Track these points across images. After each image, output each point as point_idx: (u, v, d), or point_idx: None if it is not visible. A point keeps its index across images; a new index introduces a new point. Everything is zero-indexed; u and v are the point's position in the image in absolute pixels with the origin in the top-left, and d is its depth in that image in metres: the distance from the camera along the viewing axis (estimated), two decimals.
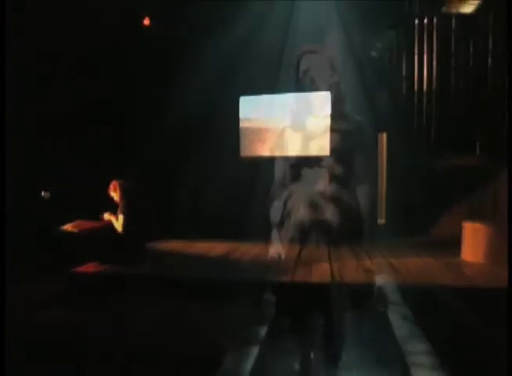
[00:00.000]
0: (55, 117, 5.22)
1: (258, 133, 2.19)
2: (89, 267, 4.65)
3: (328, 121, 2.00)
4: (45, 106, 5.16)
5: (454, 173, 6.25)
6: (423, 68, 7.16)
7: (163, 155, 6.02)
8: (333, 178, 2.07)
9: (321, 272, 3.00)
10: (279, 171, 2.20)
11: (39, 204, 5.20)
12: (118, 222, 4.84)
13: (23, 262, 4.55)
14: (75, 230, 4.76)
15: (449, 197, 6.36)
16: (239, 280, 3.69)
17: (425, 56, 7.09)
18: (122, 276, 4.52)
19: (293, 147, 2.13)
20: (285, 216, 2.12)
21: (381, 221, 7.71)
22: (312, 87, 2.07)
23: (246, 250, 5.56)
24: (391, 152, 7.07)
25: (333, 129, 2.08)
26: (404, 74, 7.26)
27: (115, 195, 4.94)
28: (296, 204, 2.09)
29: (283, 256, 2.14)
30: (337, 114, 2.10)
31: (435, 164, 6.51)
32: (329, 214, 2.06)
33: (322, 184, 2.06)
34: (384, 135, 7.71)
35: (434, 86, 7.04)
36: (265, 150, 2.20)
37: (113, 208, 4.96)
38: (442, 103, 6.98)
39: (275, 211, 2.18)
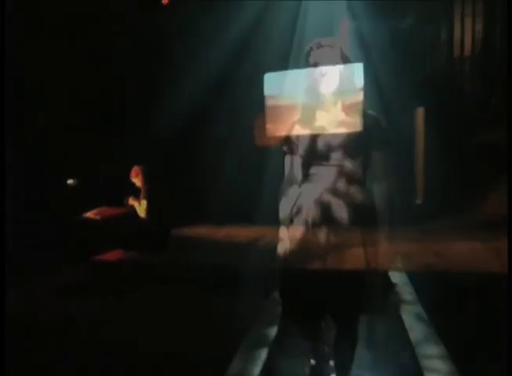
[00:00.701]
0: (78, 104, 5.18)
1: (286, 111, 2.00)
2: (113, 255, 4.56)
3: (361, 95, 1.84)
4: (66, 92, 5.11)
5: (497, 149, 5.79)
6: (464, 39, 6.70)
7: (184, 140, 5.91)
8: (346, 175, 1.92)
9: (354, 258, 2.80)
10: (289, 168, 2.07)
11: (62, 192, 5.19)
12: (141, 208, 4.73)
13: (47, 250, 4.54)
14: (98, 217, 4.69)
15: (494, 175, 5.92)
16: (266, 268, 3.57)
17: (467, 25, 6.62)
18: (146, 263, 4.41)
19: (324, 124, 1.96)
20: (294, 214, 1.99)
21: (419, 201, 7.37)
22: (323, 81, 1.91)
23: (275, 235, 5.38)
24: (429, 128, 6.72)
25: (345, 125, 1.93)
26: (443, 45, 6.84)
27: (137, 180, 4.82)
28: (306, 202, 1.95)
29: (291, 253, 1.99)
30: (350, 112, 1.92)
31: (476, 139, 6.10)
32: (341, 212, 1.90)
33: (333, 182, 1.92)
34: (421, 111, 7.31)
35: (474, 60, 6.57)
36: (293, 129, 2.01)
37: (136, 194, 4.85)
38: (483, 77, 6.50)
39: (284, 208, 2.05)
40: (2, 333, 2.25)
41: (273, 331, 3.01)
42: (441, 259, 4.28)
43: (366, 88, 1.84)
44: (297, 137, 2.00)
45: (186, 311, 3.48)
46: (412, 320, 3.18)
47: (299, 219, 1.95)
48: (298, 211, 1.96)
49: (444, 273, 3.83)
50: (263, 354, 2.71)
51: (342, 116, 1.93)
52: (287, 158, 2.06)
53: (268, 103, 1.96)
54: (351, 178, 1.92)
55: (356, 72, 1.88)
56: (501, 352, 2.07)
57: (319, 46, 1.97)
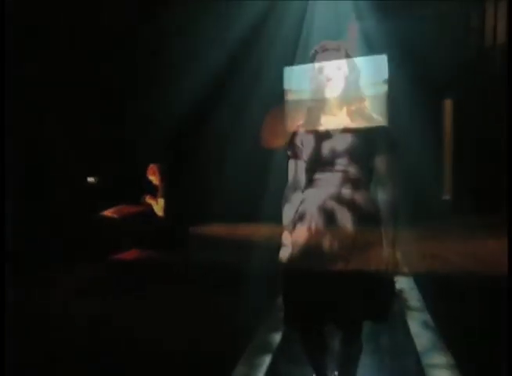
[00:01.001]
0: (90, 103, 5.27)
1: (306, 106, 2.01)
2: (130, 254, 4.63)
3: (385, 88, 1.85)
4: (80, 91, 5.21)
5: None
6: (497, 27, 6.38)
7: (198, 138, 5.92)
8: (351, 181, 1.89)
9: (358, 264, 2.74)
10: (293, 173, 2.04)
11: (80, 191, 5.31)
12: (158, 206, 4.76)
13: (63, 248, 4.65)
14: (115, 216, 4.75)
15: None
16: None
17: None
18: (164, 262, 4.44)
19: (328, 129, 1.94)
20: (297, 219, 1.96)
21: (446, 196, 7.13)
22: (328, 85, 1.91)
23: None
24: (458, 122, 6.48)
25: (351, 130, 1.91)
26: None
27: (154, 178, 4.85)
28: (310, 208, 1.92)
29: (293, 259, 1.96)
30: (355, 113, 1.93)
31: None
32: (345, 219, 1.87)
33: (338, 188, 1.89)
34: (450, 103, 7.04)
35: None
36: (297, 133, 2.02)
37: (153, 193, 4.89)
38: None
39: (287, 214, 2.03)
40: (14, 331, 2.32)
41: (278, 337, 2.99)
42: (460, 260, 4.12)
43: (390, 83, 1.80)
44: (302, 141, 1.98)
45: (198, 311, 3.49)
46: (419, 328, 3.10)
47: (302, 225, 1.93)
48: (301, 216, 1.94)
49: (456, 277, 3.69)
50: (267, 360, 2.69)
51: (347, 120, 1.92)
52: (291, 163, 2.04)
53: (288, 97, 1.97)
54: (355, 184, 1.88)
55: (381, 64, 1.85)
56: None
57: (324, 49, 1.93)
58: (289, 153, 2.03)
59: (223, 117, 6.19)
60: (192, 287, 4.00)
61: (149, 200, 4.83)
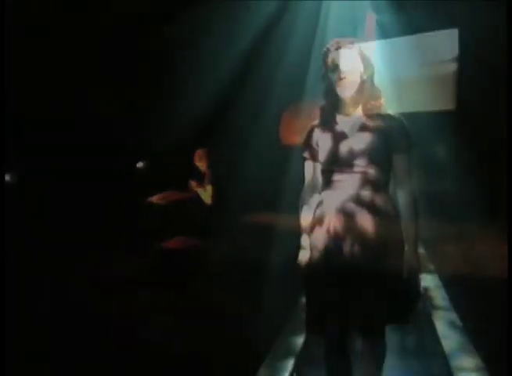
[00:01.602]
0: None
1: (320, 105, 1.99)
2: (176, 242, 4.41)
3: (455, 66, 1.70)
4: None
5: None
6: None
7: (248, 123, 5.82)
8: (369, 182, 1.83)
9: (378, 267, 2.68)
10: (309, 175, 1.99)
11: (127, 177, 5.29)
12: (206, 193, 4.48)
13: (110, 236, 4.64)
14: (162, 202, 4.62)
15: None
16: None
17: None
18: (209, 252, 4.30)
19: (344, 129, 1.88)
20: (315, 223, 1.91)
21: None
22: (341, 84, 1.84)
23: None
24: None
25: (367, 129, 1.85)
26: None
27: (201, 165, 4.60)
28: (328, 210, 1.87)
29: (312, 263, 1.93)
30: (371, 112, 1.87)
31: None
32: (365, 221, 1.82)
33: (356, 189, 1.83)
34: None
35: None
36: (312, 133, 1.97)
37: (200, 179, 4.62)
38: None
39: (305, 216, 1.98)
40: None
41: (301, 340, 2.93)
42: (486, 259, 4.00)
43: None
44: (317, 142, 1.93)
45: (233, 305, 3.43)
46: (446, 328, 3.02)
47: (321, 228, 1.88)
48: (320, 219, 1.89)
49: (483, 276, 3.58)
50: (289, 364, 2.64)
51: (363, 119, 1.87)
52: (307, 164, 1.99)
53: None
54: (374, 185, 1.83)
55: (452, 39, 1.75)
56: None
57: (337, 47, 1.87)
58: (304, 154, 1.99)
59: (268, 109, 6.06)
60: (231, 279, 3.91)
61: (196, 187, 4.54)
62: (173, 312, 3.35)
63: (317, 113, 1.98)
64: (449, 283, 3.81)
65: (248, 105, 5.72)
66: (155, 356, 2.71)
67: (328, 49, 1.89)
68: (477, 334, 2.84)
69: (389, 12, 5.72)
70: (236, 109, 5.92)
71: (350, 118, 1.88)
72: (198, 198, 4.54)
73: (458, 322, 3.09)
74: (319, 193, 1.95)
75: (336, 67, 1.83)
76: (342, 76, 1.82)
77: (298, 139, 2.11)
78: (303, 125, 2.08)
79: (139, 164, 5.78)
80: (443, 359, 2.63)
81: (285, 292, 3.34)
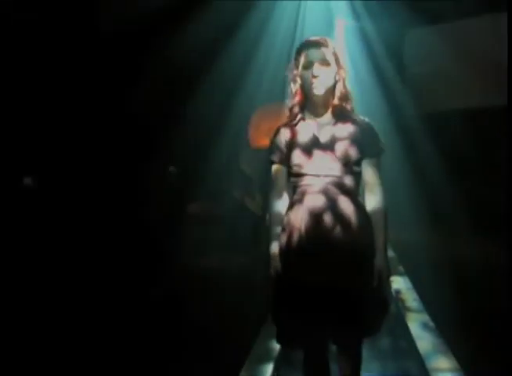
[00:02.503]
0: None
1: (289, 105, 1.92)
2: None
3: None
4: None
5: None
6: None
7: None
8: (339, 187, 1.77)
9: (349, 274, 2.66)
10: (277, 178, 1.89)
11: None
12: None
13: None
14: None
15: None
16: None
17: None
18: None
19: (331, 120, 1.84)
20: (285, 229, 1.83)
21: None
22: (314, 82, 1.76)
23: None
24: None
25: (337, 131, 1.80)
26: None
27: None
28: (298, 216, 1.78)
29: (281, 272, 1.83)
30: (341, 116, 1.82)
31: None
32: (335, 227, 1.74)
33: (326, 193, 1.76)
34: None
35: None
36: (280, 135, 1.90)
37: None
38: None
39: (274, 223, 1.88)
40: None
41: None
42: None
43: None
44: (286, 145, 1.84)
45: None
46: (419, 329, 3.00)
47: (290, 234, 1.79)
48: (289, 225, 1.80)
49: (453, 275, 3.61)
50: (269, 368, 2.59)
51: (333, 121, 1.80)
52: (274, 168, 1.89)
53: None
54: (344, 190, 1.76)
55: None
56: None
57: (310, 45, 1.81)
58: (271, 157, 1.89)
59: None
60: None
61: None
62: None
63: (286, 114, 1.93)
64: (420, 285, 3.81)
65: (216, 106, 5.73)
66: None
67: (302, 47, 1.83)
68: (450, 335, 2.83)
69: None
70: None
71: (319, 119, 1.82)
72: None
73: (431, 323, 3.08)
74: (288, 198, 1.87)
75: (309, 65, 1.77)
76: (315, 74, 1.75)
77: (267, 142, 2.05)
78: (272, 127, 2.01)
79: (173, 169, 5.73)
80: (419, 360, 2.60)
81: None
